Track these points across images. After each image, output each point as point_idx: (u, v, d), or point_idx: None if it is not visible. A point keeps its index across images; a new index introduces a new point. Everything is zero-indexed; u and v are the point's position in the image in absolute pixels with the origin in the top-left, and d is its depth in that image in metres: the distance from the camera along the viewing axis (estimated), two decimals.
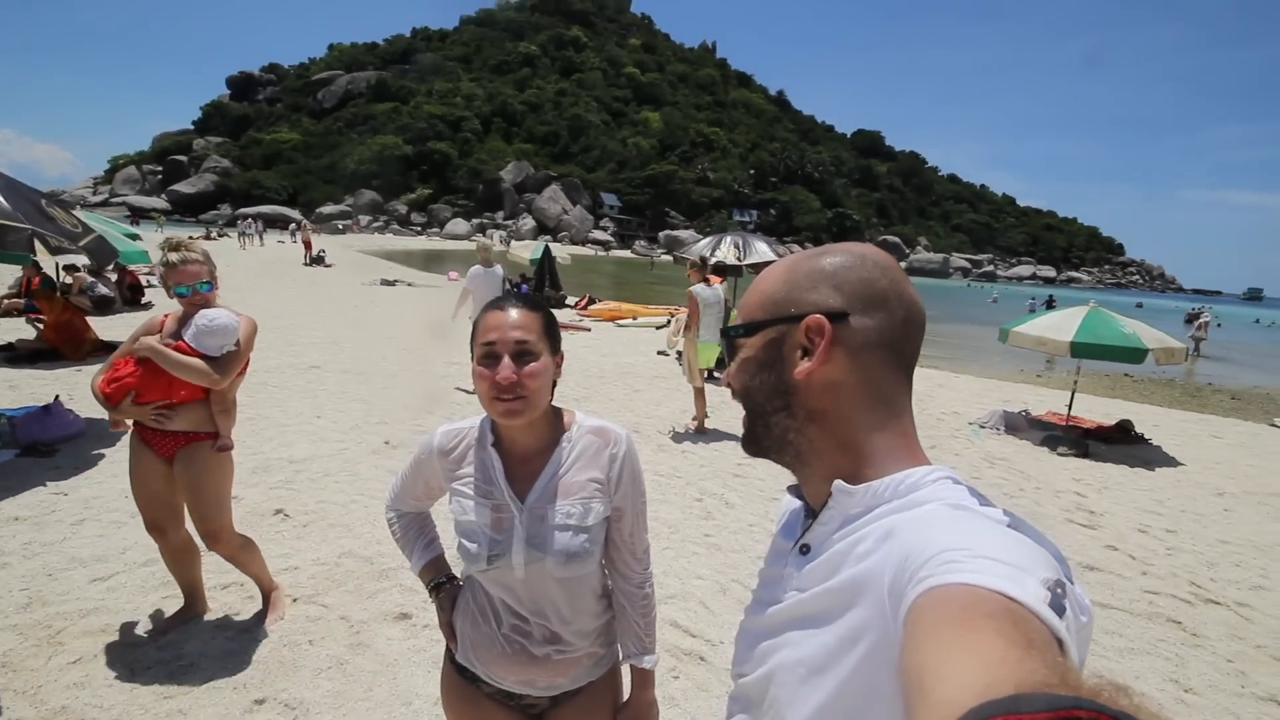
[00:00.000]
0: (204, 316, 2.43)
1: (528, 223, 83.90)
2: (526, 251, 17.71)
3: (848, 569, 0.60)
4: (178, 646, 2.59)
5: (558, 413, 1.27)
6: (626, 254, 74.37)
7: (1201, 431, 8.60)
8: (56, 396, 4.97)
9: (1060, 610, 0.44)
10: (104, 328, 8.17)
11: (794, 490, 0.78)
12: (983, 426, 7.51)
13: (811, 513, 0.73)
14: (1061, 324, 7.01)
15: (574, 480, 1.21)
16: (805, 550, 0.69)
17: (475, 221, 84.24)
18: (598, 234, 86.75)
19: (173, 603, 2.81)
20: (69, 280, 10.02)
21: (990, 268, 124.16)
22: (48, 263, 8.63)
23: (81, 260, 8.62)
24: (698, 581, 3.42)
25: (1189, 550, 4.48)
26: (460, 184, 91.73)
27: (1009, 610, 0.43)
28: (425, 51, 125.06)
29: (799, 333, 0.67)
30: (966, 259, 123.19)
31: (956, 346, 18.52)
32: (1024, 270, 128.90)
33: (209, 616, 2.78)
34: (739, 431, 0.78)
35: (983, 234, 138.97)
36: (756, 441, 0.74)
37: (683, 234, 78.49)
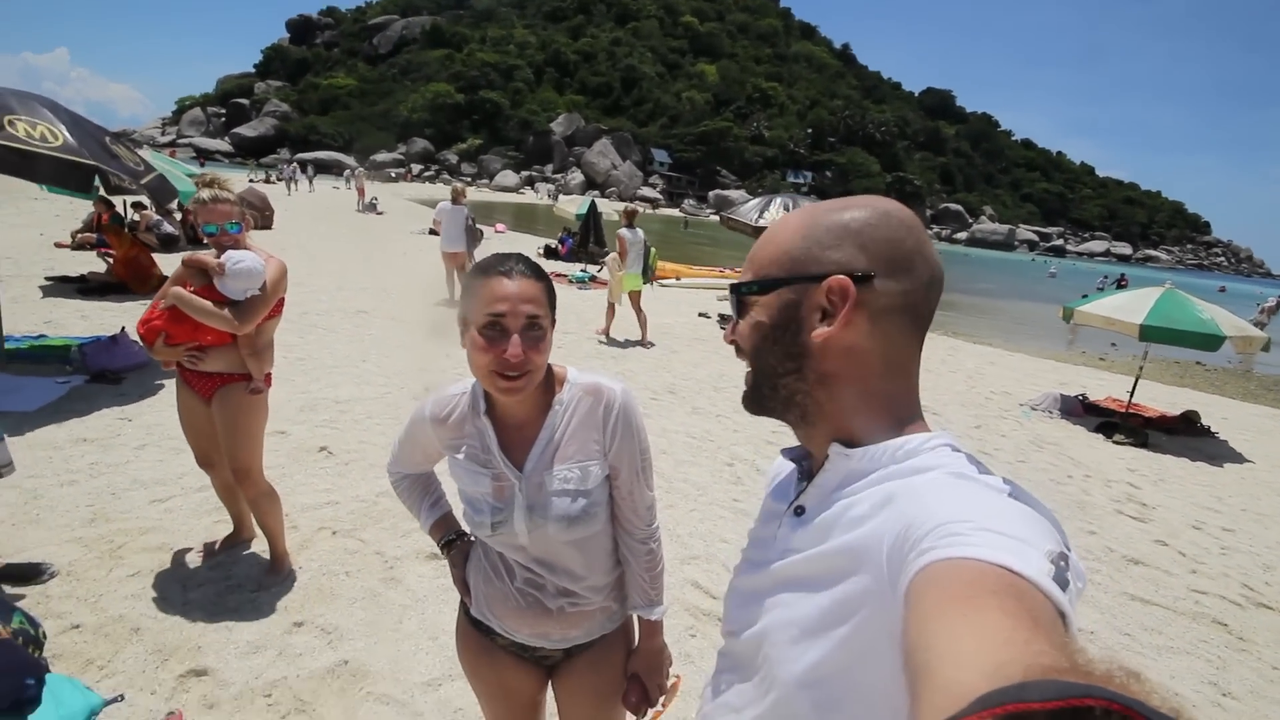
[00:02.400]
0: (229, 258, 2.37)
1: (576, 177, 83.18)
2: (573, 207, 17.67)
3: (844, 533, 0.60)
4: (226, 568, 2.76)
5: (549, 371, 1.21)
6: (674, 212, 73.18)
7: (1276, 427, 8.06)
8: (123, 328, 5.25)
9: (1064, 584, 0.44)
10: (169, 264, 8.55)
11: (789, 453, 0.77)
12: (1034, 408, 7.22)
13: (807, 475, 0.72)
14: (1132, 305, 6.56)
15: (571, 443, 1.18)
16: (800, 512, 0.68)
17: (524, 174, 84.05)
18: (646, 191, 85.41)
19: (223, 527, 2.98)
20: (136, 218, 10.48)
21: (1059, 241, 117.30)
22: (117, 201, 9.03)
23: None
24: (721, 544, 3.43)
25: (1245, 551, 4.24)
26: (511, 135, 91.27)
27: (1013, 585, 0.42)
28: None
29: (819, 294, 0.63)
30: (1035, 231, 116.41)
31: (1013, 322, 17.74)
32: (1097, 246, 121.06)
33: (256, 545, 2.94)
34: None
35: (1055, 205, 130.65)
36: (760, 401, 0.72)
37: (733, 194, 76.54)
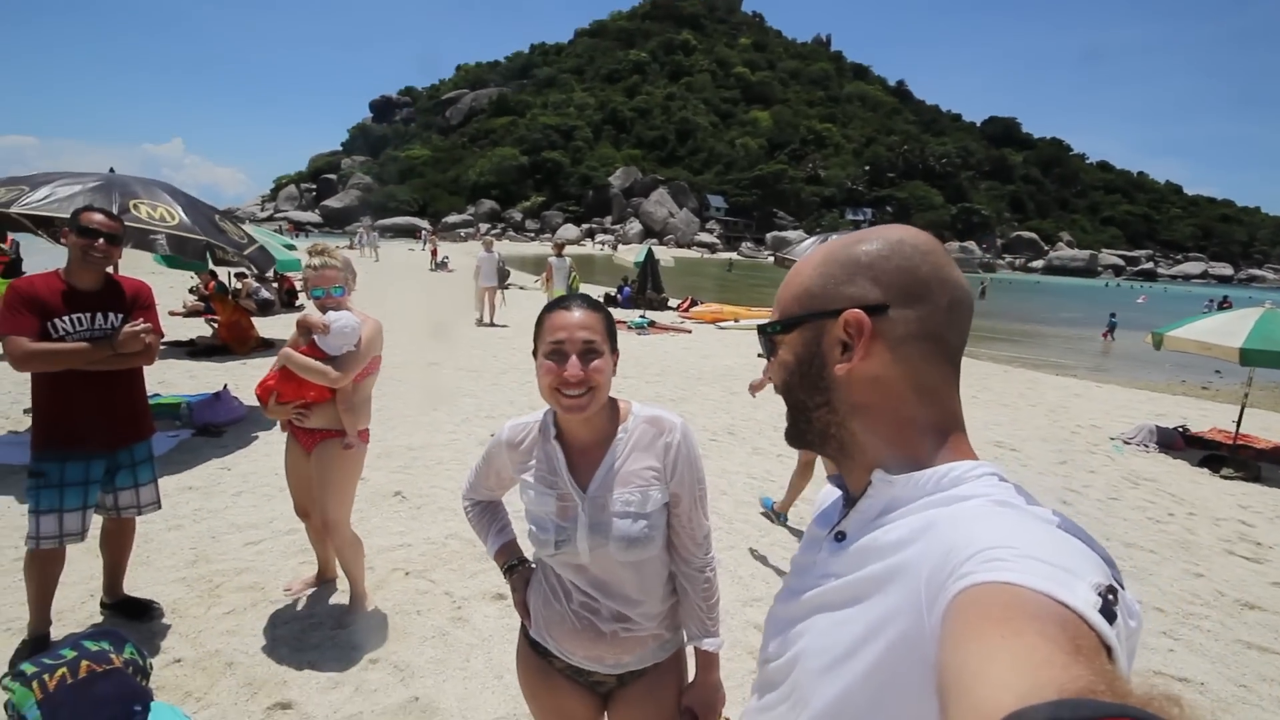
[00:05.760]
0: (329, 317, 2.58)
1: (634, 227, 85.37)
2: (631, 255, 18.09)
3: (883, 558, 0.59)
4: (310, 606, 2.93)
5: (614, 404, 1.32)
6: (733, 256, 73.68)
7: None
8: (225, 385, 5.77)
9: (1111, 617, 0.42)
10: (264, 327, 9.36)
11: (835, 480, 0.77)
12: (1127, 442, 6.71)
13: (850, 501, 0.72)
14: (1229, 327, 6.09)
15: (632, 469, 1.26)
16: (840, 537, 0.68)
17: (585, 227, 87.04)
18: (703, 236, 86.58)
19: (308, 568, 3.18)
20: (239, 285, 11.56)
21: (1149, 265, 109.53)
22: (222, 271, 10.02)
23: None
24: None
25: None
26: (571, 190, 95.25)
27: (1055, 613, 0.41)
28: (542, 66, 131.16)
29: (836, 328, 0.65)
30: (1119, 256, 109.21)
31: (1098, 353, 16.64)
32: (1192, 268, 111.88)
33: (337, 584, 3.11)
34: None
35: (1140, 227, 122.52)
36: (799, 436, 0.74)
37: (790, 234, 76.36)
